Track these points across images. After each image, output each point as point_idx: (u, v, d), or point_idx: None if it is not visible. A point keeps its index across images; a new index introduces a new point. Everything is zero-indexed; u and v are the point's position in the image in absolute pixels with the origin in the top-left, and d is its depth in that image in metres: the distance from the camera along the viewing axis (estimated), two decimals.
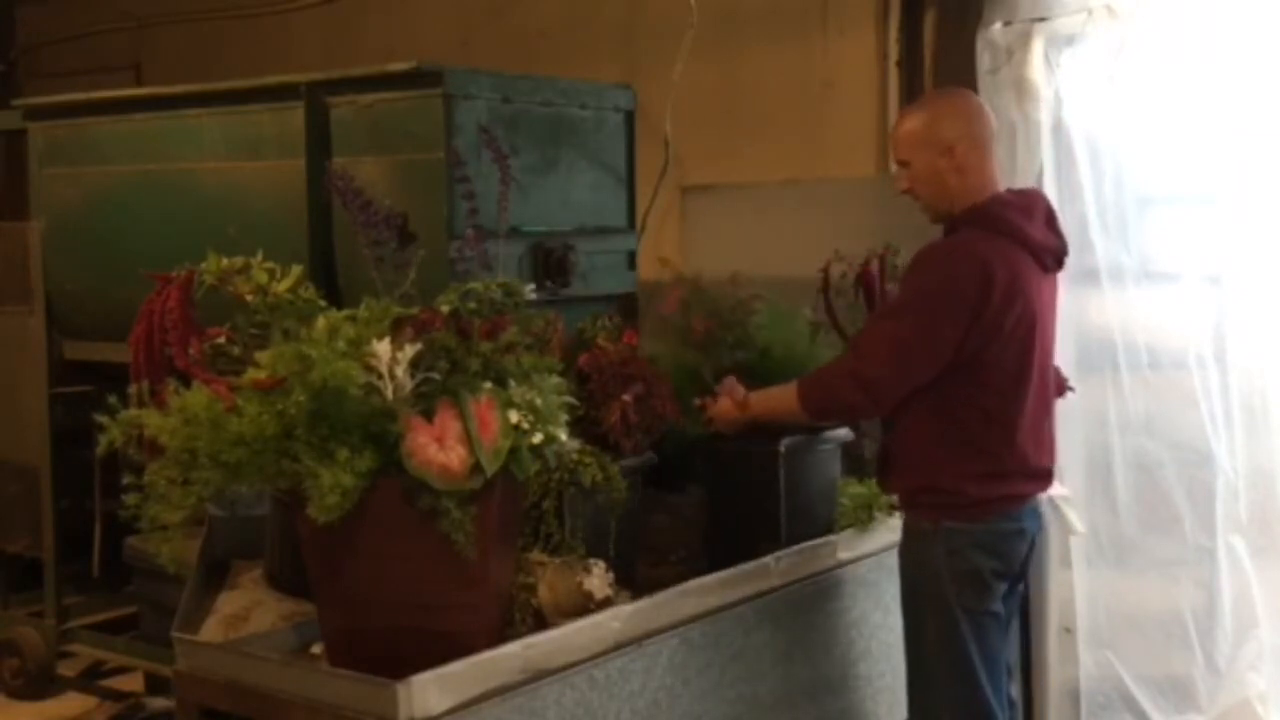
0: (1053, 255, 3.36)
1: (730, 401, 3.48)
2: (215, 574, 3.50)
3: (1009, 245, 3.24)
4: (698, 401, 3.53)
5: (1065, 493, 3.81)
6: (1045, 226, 3.35)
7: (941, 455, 3.26)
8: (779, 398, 3.42)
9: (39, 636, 5.10)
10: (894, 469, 3.42)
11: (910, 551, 3.36)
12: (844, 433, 3.81)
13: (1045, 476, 3.40)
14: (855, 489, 3.84)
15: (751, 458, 3.57)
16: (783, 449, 3.54)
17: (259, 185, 4.38)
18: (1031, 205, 3.37)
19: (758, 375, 3.62)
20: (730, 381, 3.52)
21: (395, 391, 2.64)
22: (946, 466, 3.26)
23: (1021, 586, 3.54)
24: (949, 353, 3.17)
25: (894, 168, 3.40)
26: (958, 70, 4.61)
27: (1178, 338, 4.30)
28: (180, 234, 4.39)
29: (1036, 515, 3.41)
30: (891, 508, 3.79)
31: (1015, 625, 3.64)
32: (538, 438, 2.71)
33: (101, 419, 2.70)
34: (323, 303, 2.88)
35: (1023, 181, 4.13)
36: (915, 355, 3.19)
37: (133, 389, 2.99)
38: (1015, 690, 3.56)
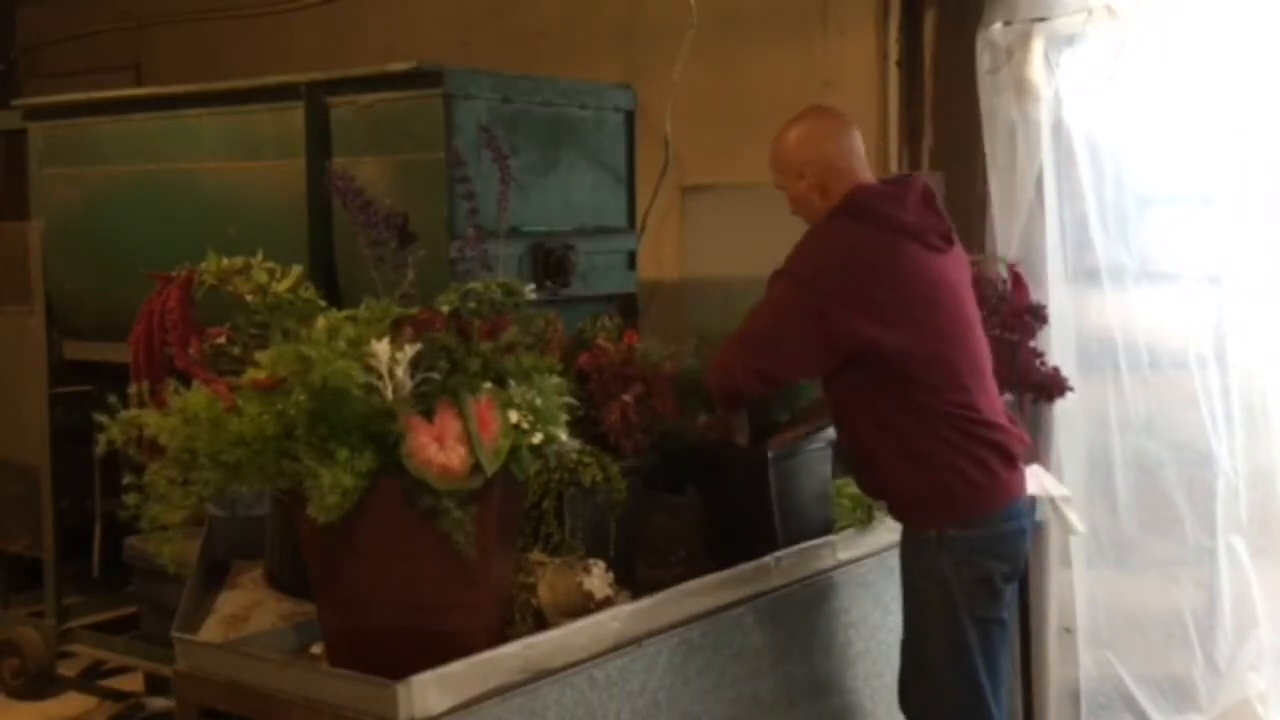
0: (936, 234, 3.30)
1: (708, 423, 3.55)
2: (215, 574, 3.49)
3: (880, 232, 3.22)
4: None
5: (1065, 493, 3.81)
6: (922, 208, 3.31)
7: (909, 464, 3.22)
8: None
9: (39, 636, 5.10)
10: (874, 484, 3.40)
11: (914, 560, 3.31)
12: (833, 432, 3.80)
13: (1017, 457, 3.31)
14: (854, 489, 3.84)
15: (740, 463, 3.56)
16: (770, 454, 3.52)
17: (259, 185, 4.39)
18: (903, 192, 3.32)
19: None
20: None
21: (395, 391, 2.64)
22: (919, 474, 3.22)
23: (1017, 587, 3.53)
24: (815, 336, 3.16)
25: None
26: (958, 70, 4.61)
27: (1178, 338, 4.31)
28: (180, 234, 4.40)
29: (1032, 511, 3.40)
30: None
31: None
32: (538, 438, 2.70)
33: (101, 419, 2.69)
34: (323, 303, 2.88)
35: (1023, 181, 4.14)
36: (768, 325, 3.21)
37: (133, 389, 2.99)
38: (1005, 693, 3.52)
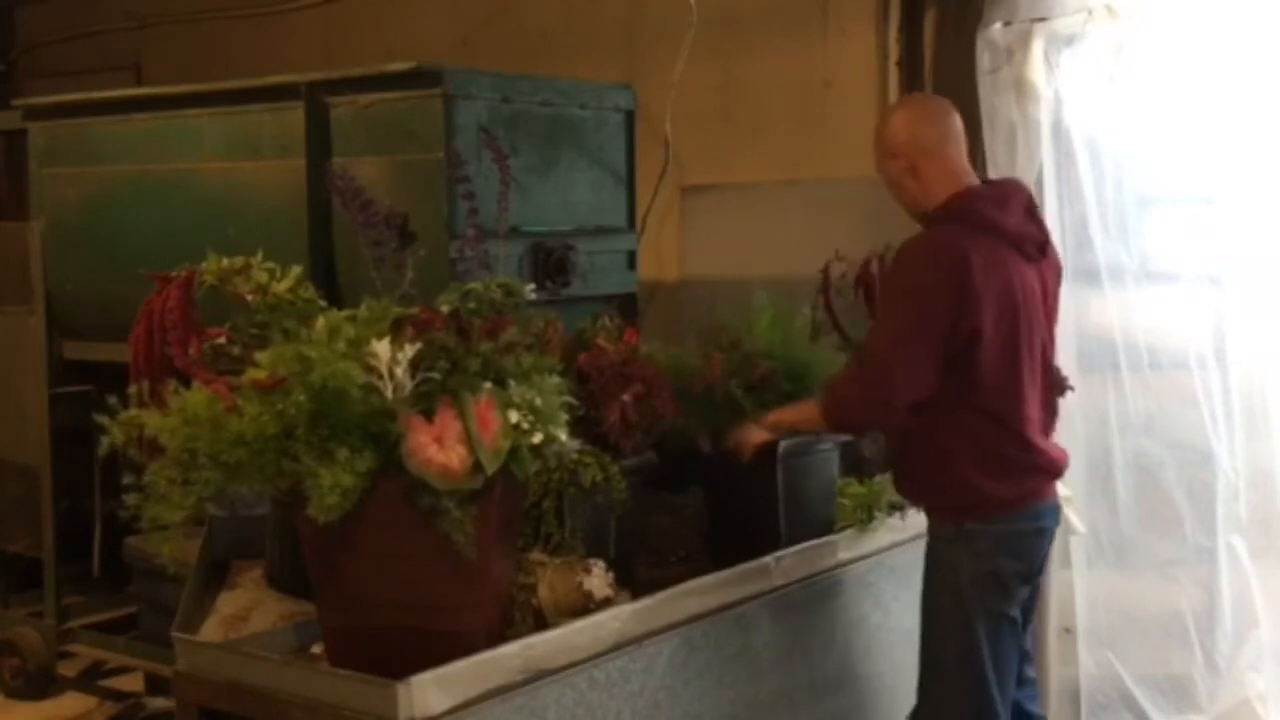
0: (1034, 244, 3.36)
1: (753, 429, 3.50)
2: (215, 574, 3.49)
3: (984, 237, 3.24)
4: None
5: (1065, 493, 3.81)
6: (1023, 215, 3.36)
7: (952, 458, 3.27)
8: (803, 414, 3.46)
9: (39, 636, 5.10)
10: (908, 475, 3.45)
11: (933, 554, 3.37)
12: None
13: (1058, 469, 3.40)
14: (855, 489, 3.84)
15: (750, 460, 3.56)
16: (780, 451, 3.53)
17: (259, 185, 4.38)
18: (1006, 196, 3.37)
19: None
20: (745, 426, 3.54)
21: (395, 391, 2.64)
22: (959, 469, 3.27)
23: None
24: (942, 344, 3.18)
25: None
26: (958, 70, 4.61)
27: (1178, 338, 4.31)
28: (180, 234, 4.40)
29: (1055, 513, 3.43)
30: (893, 507, 3.79)
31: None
32: (538, 438, 2.70)
33: (101, 419, 2.69)
34: (323, 303, 2.88)
35: (1023, 181, 4.13)
36: (921, 356, 3.18)
37: (133, 389, 2.98)
38: (1032, 670, 3.58)
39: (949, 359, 3.19)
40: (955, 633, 3.29)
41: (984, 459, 3.25)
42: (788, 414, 3.49)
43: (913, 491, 3.49)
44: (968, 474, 3.26)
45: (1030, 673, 3.54)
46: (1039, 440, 3.34)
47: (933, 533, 3.38)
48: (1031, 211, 3.40)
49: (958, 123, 3.43)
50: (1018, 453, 3.28)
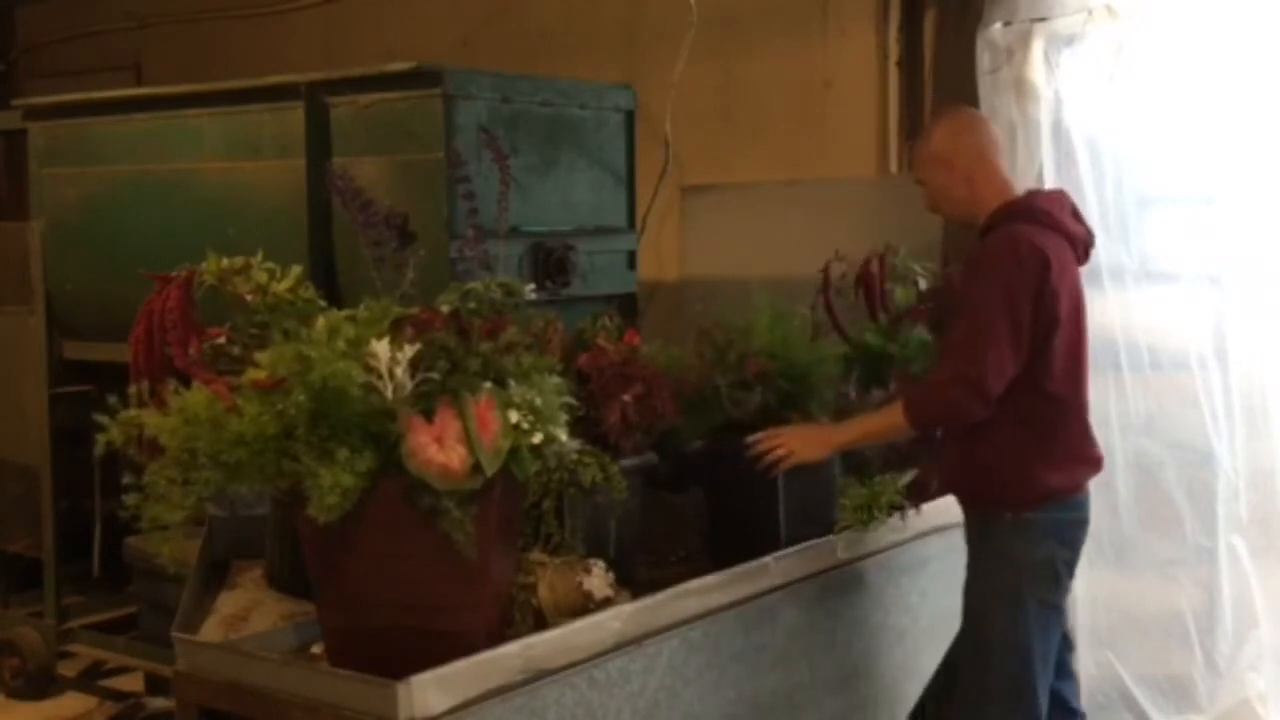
0: (1084, 245, 3.51)
1: (808, 436, 3.54)
2: (215, 574, 3.49)
3: (1052, 235, 3.39)
4: (753, 439, 3.54)
5: None
6: (1075, 219, 3.51)
7: (1019, 447, 3.37)
8: (875, 421, 3.56)
9: (39, 636, 5.10)
10: (969, 467, 3.48)
11: (986, 543, 3.45)
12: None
13: (1101, 461, 3.52)
14: (855, 489, 3.84)
15: (751, 460, 3.56)
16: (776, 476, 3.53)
17: (259, 185, 4.38)
18: (1061, 200, 3.54)
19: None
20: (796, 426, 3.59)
21: (395, 391, 2.64)
22: (1025, 458, 3.37)
23: None
24: (1025, 338, 3.30)
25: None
26: (958, 70, 4.61)
27: (1178, 338, 4.31)
28: (180, 234, 4.40)
29: (1090, 503, 3.52)
30: (893, 507, 3.78)
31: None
32: (538, 438, 2.70)
33: (101, 419, 2.69)
34: (323, 303, 2.88)
35: (1023, 181, 4.13)
36: (1008, 346, 3.30)
37: (133, 389, 2.98)
38: (1074, 660, 3.71)
39: (1028, 350, 3.32)
40: (1006, 621, 3.39)
41: (1049, 448, 3.38)
42: (856, 425, 3.59)
43: (971, 484, 3.51)
44: (1033, 463, 3.37)
45: (1073, 664, 3.66)
46: (1089, 431, 3.48)
47: (984, 522, 3.45)
48: (1078, 216, 3.54)
49: (997, 132, 3.61)
50: (1077, 442, 3.43)
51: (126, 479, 2.65)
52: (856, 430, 3.58)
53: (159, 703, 4.79)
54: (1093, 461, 3.48)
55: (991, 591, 3.42)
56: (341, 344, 2.64)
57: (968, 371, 3.31)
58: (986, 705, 3.42)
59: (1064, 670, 3.58)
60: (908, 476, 3.91)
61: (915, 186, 3.62)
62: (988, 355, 3.28)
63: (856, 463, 3.98)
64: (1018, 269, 3.30)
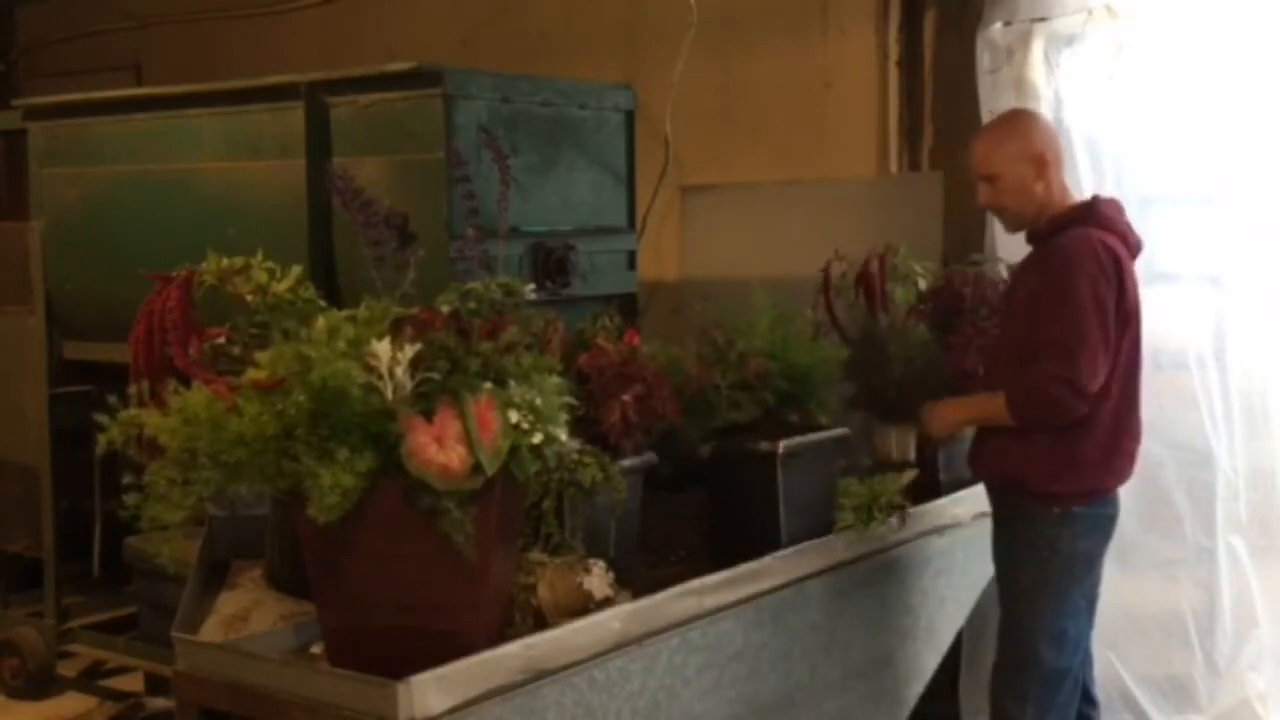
0: (1138, 248, 3.59)
1: (944, 410, 3.74)
2: (215, 574, 3.49)
3: (1116, 239, 3.48)
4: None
5: None
6: (1128, 223, 3.59)
7: (1077, 442, 3.45)
8: (989, 407, 3.59)
9: (39, 636, 5.10)
10: (1016, 456, 3.53)
11: (1030, 531, 3.52)
12: (842, 432, 3.81)
13: (1135, 458, 3.61)
14: (855, 489, 3.84)
15: (751, 458, 3.57)
16: (782, 450, 3.53)
17: (259, 185, 4.38)
18: (1119, 205, 3.62)
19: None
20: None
21: (395, 391, 2.63)
22: (1083, 453, 3.45)
23: None
24: (1111, 334, 3.40)
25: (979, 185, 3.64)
26: (958, 70, 4.62)
27: (1178, 338, 4.31)
28: (180, 234, 4.40)
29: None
30: (893, 508, 3.78)
31: None
32: (538, 438, 2.70)
33: (101, 419, 2.69)
34: (323, 303, 2.88)
35: None
36: (1100, 345, 3.38)
37: (133, 389, 2.98)
38: (1091, 648, 3.74)
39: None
40: (1052, 611, 3.48)
41: (1105, 444, 3.47)
42: (975, 404, 3.69)
43: (1021, 475, 3.53)
44: (1088, 459, 3.46)
45: (1091, 651, 3.72)
46: (1140, 428, 3.58)
47: (1027, 514, 3.52)
48: (1128, 221, 3.60)
49: None
50: (1129, 437, 3.54)
51: (126, 479, 2.65)
52: (975, 410, 3.68)
53: (159, 703, 4.79)
54: (1134, 456, 3.58)
55: (1035, 583, 3.51)
56: (341, 344, 2.64)
57: (1065, 373, 3.38)
58: (1029, 690, 3.51)
59: (1085, 656, 3.67)
60: (908, 477, 3.92)
61: (974, 181, 3.62)
62: (1083, 355, 3.37)
63: (857, 463, 3.99)
64: (1100, 271, 3.38)
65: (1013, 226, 3.64)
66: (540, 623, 2.97)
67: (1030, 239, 3.60)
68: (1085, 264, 3.40)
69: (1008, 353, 3.59)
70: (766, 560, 3.43)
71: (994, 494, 3.69)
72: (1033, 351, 3.44)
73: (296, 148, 4.25)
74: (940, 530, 3.93)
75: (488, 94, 4.13)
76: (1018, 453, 3.52)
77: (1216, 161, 4.25)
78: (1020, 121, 3.70)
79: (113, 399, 2.76)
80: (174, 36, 7.43)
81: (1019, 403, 3.47)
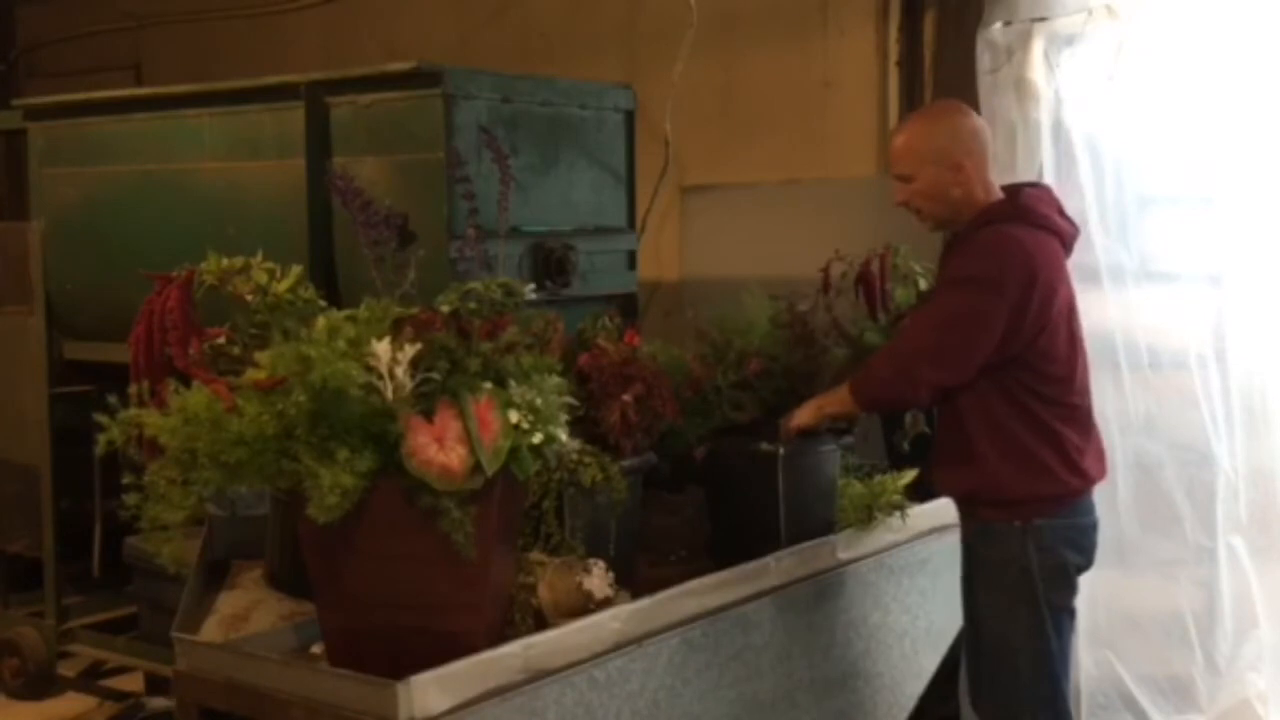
0: (1071, 240, 3.44)
1: (798, 413, 3.53)
2: (215, 574, 3.50)
3: (1042, 234, 3.32)
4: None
5: None
6: (1062, 214, 3.44)
7: (1022, 452, 3.30)
8: (838, 396, 3.47)
9: (39, 636, 5.10)
10: (967, 472, 3.39)
11: (997, 550, 3.36)
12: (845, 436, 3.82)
13: (1105, 462, 3.48)
14: (855, 489, 3.84)
15: (751, 460, 3.57)
16: (782, 451, 3.54)
17: (259, 185, 4.38)
18: (1050, 197, 3.47)
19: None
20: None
21: (395, 391, 2.64)
22: (1030, 463, 3.30)
23: None
24: (993, 340, 3.21)
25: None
26: (958, 70, 4.61)
27: (1178, 338, 4.30)
28: (180, 234, 4.40)
29: (1095, 505, 3.49)
30: (893, 508, 3.79)
31: None
32: (538, 438, 2.70)
33: (101, 419, 2.69)
34: (323, 303, 2.88)
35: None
36: (959, 343, 3.23)
37: (133, 389, 2.99)
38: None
39: (1013, 358, 3.24)
40: (1027, 627, 3.33)
41: (1053, 452, 3.30)
42: (829, 398, 3.51)
43: (974, 491, 3.40)
44: (1038, 469, 3.29)
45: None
46: (1093, 431, 3.42)
47: (995, 532, 3.35)
48: (1062, 211, 3.46)
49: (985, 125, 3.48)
50: (1083, 443, 3.35)
51: (126, 479, 2.65)
52: (831, 405, 3.50)
53: (159, 703, 4.79)
54: (1095, 459, 3.42)
55: (1009, 600, 3.35)
56: (341, 344, 2.64)
57: (904, 359, 3.28)
58: (1019, 713, 3.38)
59: None
60: (908, 477, 3.92)
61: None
62: (929, 349, 3.25)
63: (855, 464, 3.99)
64: (998, 270, 3.22)
65: (930, 226, 3.46)
66: (540, 623, 2.97)
67: (963, 230, 3.40)
68: (980, 263, 3.24)
69: None
70: (766, 560, 3.43)
71: (959, 511, 3.52)
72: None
73: (296, 148, 4.24)
74: (939, 530, 3.92)
75: (488, 94, 4.13)
76: (968, 466, 3.37)
77: (1216, 161, 4.25)
78: (940, 120, 3.45)
79: (113, 399, 2.76)
80: (174, 36, 7.43)
81: (856, 383, 3.37)
